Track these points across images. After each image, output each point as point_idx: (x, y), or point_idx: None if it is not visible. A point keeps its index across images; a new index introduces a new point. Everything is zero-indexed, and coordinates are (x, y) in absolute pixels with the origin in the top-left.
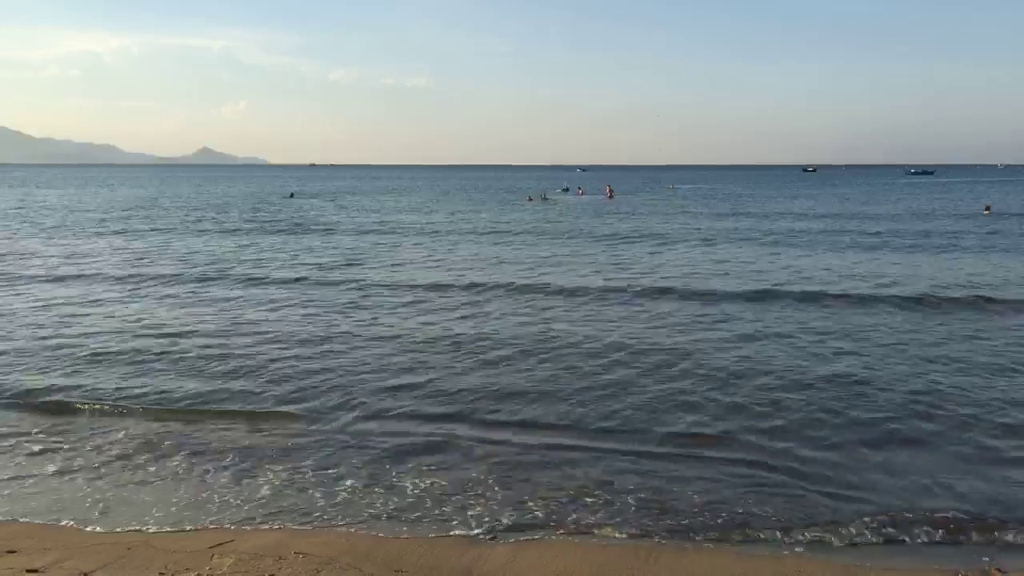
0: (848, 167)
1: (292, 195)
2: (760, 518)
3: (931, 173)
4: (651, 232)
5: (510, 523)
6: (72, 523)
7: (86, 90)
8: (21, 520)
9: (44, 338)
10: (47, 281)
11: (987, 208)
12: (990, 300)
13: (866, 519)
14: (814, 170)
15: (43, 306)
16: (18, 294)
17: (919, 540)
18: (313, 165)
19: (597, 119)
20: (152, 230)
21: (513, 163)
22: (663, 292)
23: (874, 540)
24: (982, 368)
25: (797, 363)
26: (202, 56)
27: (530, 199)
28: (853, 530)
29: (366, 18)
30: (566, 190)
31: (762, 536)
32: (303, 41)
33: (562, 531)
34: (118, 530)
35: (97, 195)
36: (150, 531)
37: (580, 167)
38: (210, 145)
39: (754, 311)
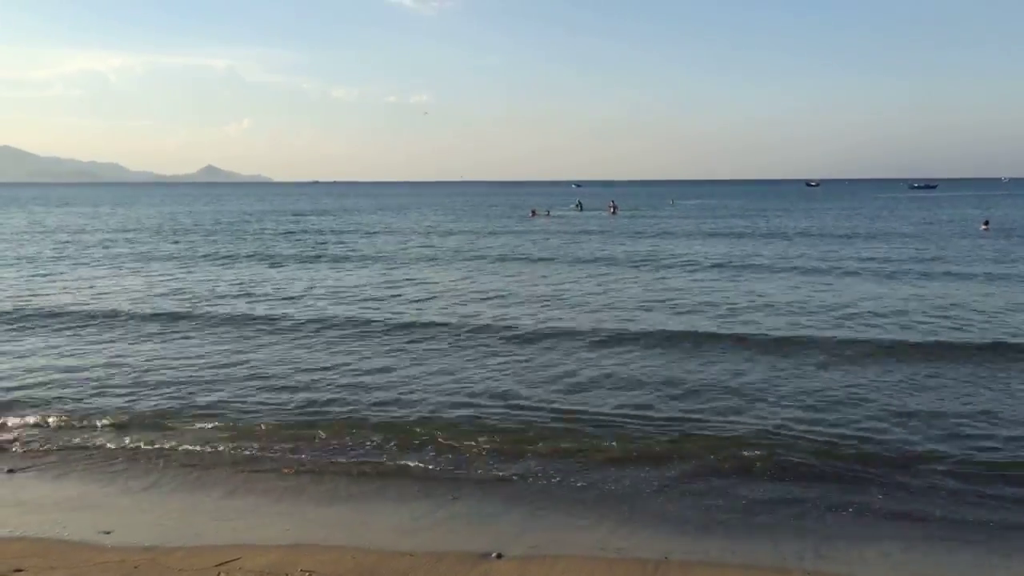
0: (850, 181)
1: (298, 215)
2: (766, 533)
3: (934, 187)
4: (672, 255)
5: (516, 539)
6: (79, 540)
7: (90, 109)
8: (28, 537)
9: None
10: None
11: (985, 224)
12: None
13: (869, 533)
14: (817, 184)
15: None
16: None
17: (922, 553)
18: (316, 182)
19: (598, 132)
20: (184, 257)
21: (516, 178)
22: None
23: (881, 555)
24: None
25: (810, 385)
26: (205, 75)
27: (534, 213)
28: (861, 552)
29: (367, 36)
30: (578, 205)
31: (768, 550)
32: (305, 59)
33: (568, 547)
34: (126, 547)
35: (113, 216)
36: (157, 548)
37: (575, 183)
38: (214, 163)
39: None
